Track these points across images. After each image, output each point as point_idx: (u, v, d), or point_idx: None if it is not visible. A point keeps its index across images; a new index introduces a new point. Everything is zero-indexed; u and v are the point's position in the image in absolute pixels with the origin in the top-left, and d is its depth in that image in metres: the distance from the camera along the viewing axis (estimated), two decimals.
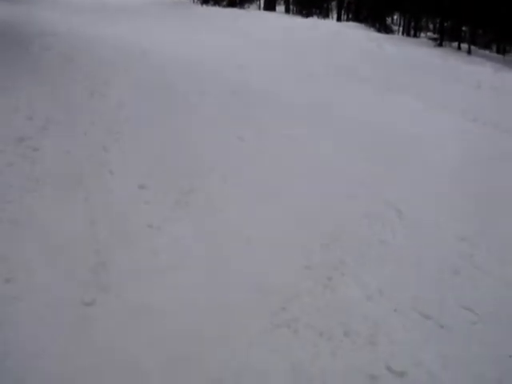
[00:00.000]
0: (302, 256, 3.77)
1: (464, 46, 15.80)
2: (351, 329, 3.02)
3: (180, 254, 3.65)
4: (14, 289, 3.08)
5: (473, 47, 15.61)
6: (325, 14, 24.35)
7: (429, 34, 19.83)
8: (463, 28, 17.09)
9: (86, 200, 4.21)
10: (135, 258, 3.54)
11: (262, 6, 26.07)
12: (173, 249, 3.72)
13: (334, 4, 24.85)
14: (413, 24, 21.00)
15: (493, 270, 3.83)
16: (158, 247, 3.70)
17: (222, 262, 3.61)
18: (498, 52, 18.38)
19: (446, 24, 16.98)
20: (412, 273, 3.73)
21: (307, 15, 21.51)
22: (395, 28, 22.34)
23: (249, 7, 25.01)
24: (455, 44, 16.19)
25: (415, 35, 20.18)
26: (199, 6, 24.15)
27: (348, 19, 22.52)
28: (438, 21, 18.80)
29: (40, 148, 5.06)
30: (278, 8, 25.00)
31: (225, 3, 24.13)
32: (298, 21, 17.86)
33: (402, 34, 21.26)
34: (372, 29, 18.78)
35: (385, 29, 20.20)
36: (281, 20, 17.85)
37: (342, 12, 23.98)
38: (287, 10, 24.50)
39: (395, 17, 22.92)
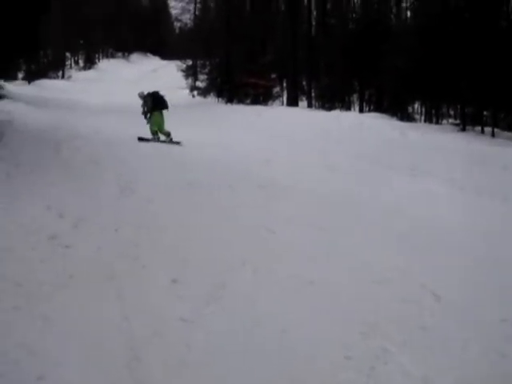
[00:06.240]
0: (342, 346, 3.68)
1: (488, 129, 15.81)
2: None
3: (213, 349, 3.60)
4: None
5: (496, 130, 15.59)
6: (347, 107, 24.93)
7: (451, 120, 20.05)
8: (485, 113, 17.20)
9: (119, 295, 4.21)
10: (169, 353, 3.49)
11: (285, 102, 26.91)
12: (206, 343, 3.66)
13: (355, 96, 25.47)
14: (434, 111, 21.36)
15: None
16: (191, 341, 3.66)
17: (258, 357, 3.53)
18: None
19: (466, 110, 17.16)
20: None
21: (330, 109, 22.03)
22: (417, 116, 22.73)
23: (272, 104, 25.82)
24: (478, 128, 16.25)
25: (437, 122, 20.44)
26: (223, 104, 25.02)
27: (370, 110, 22.99)
28: (458, 107, 19.03)
29: (72, 245, 5.10)
30: (300, 103, 25.72)
31: (248, 101, 24.97)
32: (320, 114, 18.33)
33: (425, 121, 21.57)
34: (394, 118, 19.11)
35: (407, 117, 20.56)
36: (303, 114, 18.35)
37: (364, 104, 24.61)
38: (310, 105, 25.16)
39: (416, 105, 23.32)
